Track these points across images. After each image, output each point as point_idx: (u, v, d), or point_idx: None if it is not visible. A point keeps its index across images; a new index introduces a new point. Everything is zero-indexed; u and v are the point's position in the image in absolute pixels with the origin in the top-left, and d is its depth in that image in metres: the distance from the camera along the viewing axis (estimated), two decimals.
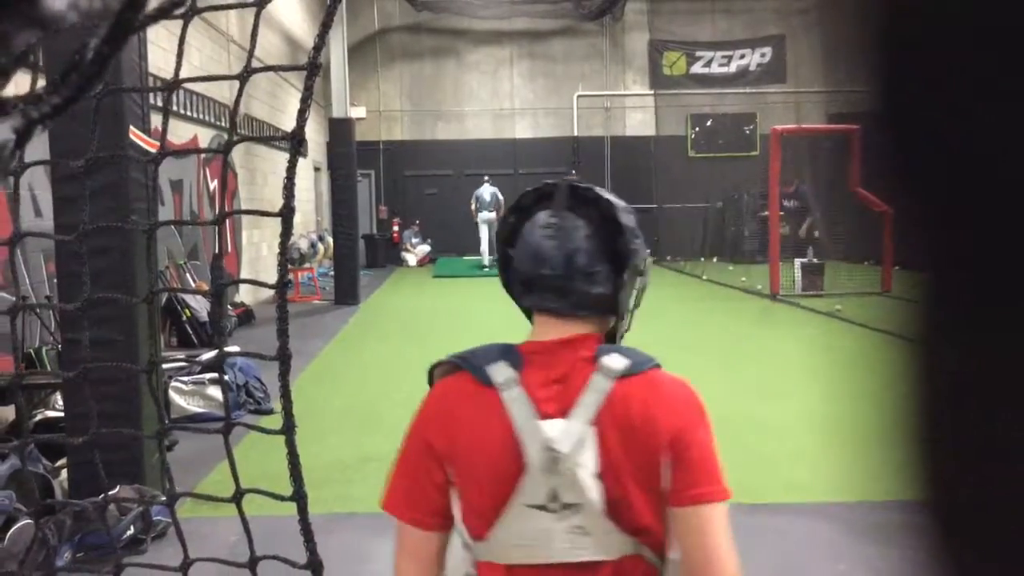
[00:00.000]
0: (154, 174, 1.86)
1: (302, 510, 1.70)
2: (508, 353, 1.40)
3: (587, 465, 1.32)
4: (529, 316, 1.49)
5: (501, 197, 18.33)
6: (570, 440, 1.31)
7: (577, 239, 1.39)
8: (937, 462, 0.39)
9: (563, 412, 1.34)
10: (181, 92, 9.79)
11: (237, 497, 1.84)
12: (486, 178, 19.36)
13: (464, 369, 1.40)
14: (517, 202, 1.47)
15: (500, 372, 1.37)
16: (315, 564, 1.72)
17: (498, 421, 1.34)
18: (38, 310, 6.47)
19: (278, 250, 1.56)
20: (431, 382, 1.46)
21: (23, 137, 0.47)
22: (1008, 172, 0.34)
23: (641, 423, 1.33)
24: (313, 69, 1.45)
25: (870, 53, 0.38)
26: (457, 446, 1.38)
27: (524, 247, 1.42)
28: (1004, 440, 0.35)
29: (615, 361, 1.36)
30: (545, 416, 1.34)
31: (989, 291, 0.35)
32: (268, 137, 8.68)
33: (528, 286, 1.42)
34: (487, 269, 18.81)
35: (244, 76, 1.57)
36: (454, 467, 1.38)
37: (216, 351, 2.25)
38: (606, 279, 1.40)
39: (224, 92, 12.22)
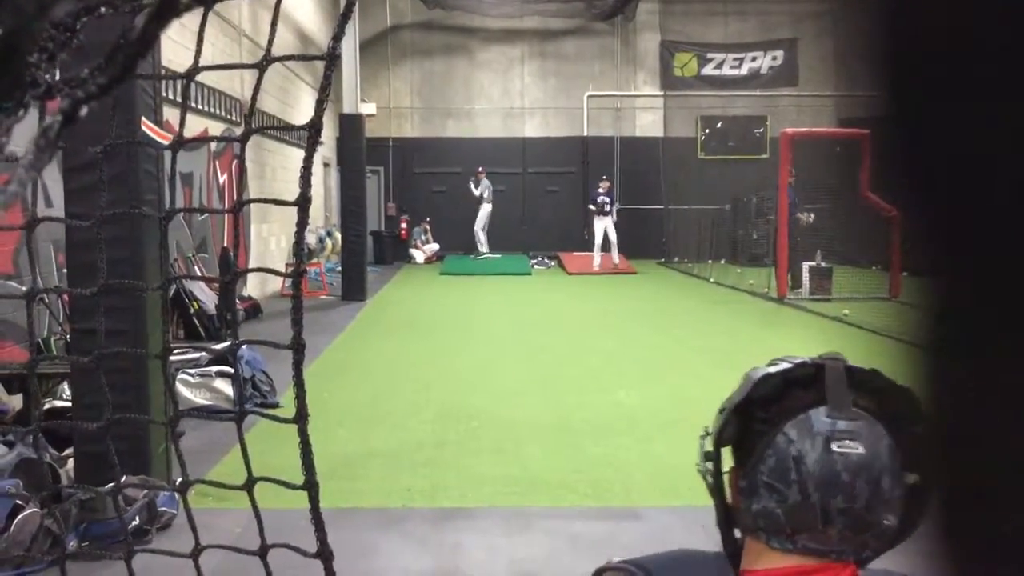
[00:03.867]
0: (172, 162, 1.87)
1: (313, 499, 1.70)
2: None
3: None
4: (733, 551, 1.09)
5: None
6: None
7: (883, 455, 0.99)
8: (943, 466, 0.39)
9: None
10: (193, 85, 9.83)
11: (249, 485, 1.85)
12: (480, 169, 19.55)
13: None
14: (748, 394, 1.04)
15: None
16: (325, 553, 1.72)
17: None
18: (47, 299, 6.50)
19: (293, 239, 1.57)
20: None
21: (70, 117, 0.47)
22: (1011, 175, 0.33)
23: None
24: (332, 59, 1.46)
25: (880, 57, 0.38)
26: None
27: (788, 469, 1.00)
28: (1008, 445, 0.35)
29: None
30: None
31: (994, 296, 0.35)
32: (287, 127, 8.71)
33: (799, 525, 1.00)
34: (484, 257, 19.06)
35: (263, 65, 1.57)
36: None
37: (228, 341, 2.25)
38: (899, 504, 1.01)
39: (235, 86, 12.26)
